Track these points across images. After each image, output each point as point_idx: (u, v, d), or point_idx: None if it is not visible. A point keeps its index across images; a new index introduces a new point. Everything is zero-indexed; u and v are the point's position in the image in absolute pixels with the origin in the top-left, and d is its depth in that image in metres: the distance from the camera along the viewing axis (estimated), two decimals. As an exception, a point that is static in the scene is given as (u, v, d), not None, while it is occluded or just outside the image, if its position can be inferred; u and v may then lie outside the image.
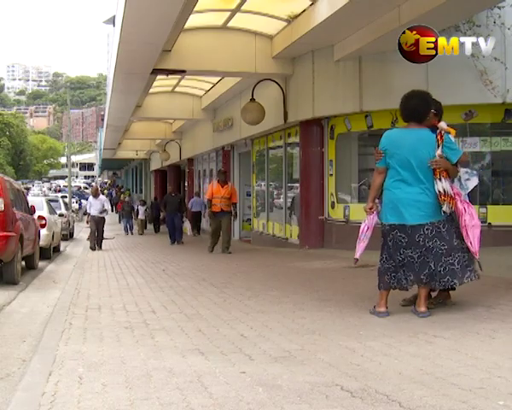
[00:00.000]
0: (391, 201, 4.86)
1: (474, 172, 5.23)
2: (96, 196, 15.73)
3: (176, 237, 16.84)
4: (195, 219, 21.54)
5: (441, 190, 4.68)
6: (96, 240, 15.30)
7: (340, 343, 4.06)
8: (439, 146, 4.71)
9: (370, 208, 5.00)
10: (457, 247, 4.78)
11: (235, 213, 13.45)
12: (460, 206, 4.84)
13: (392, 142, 4.85)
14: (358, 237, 5.08)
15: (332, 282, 7.47)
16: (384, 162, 4.87)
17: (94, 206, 15.39)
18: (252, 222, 17.55)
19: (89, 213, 15.73)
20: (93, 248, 15.00)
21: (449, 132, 4.85)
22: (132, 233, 24.61)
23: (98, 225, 15.33)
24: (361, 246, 5.07)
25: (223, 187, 12.97)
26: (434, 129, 4.82)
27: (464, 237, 4.82)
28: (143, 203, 26.72)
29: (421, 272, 4.74)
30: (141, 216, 25.39)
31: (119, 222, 31.83)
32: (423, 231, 4.74)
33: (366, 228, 5.03)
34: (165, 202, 17.55)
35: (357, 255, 5.09)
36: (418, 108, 4.84)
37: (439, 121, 5.05)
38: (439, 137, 4.74)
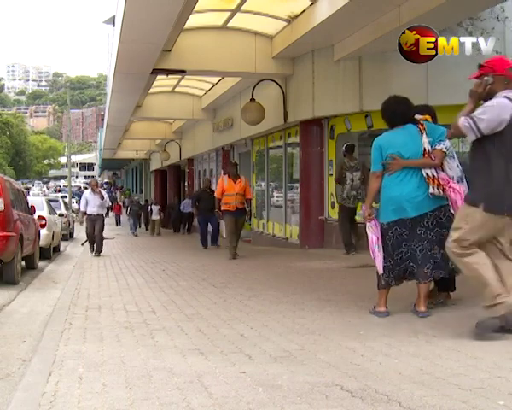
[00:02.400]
0: (390, 198, 4.90)
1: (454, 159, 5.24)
2: (94, 190, 13.28)
3: (211, 240, 14.51)
4: (187, 220, 23.77)
5: (424, 175, 4.81)
6: (95, 243, 13.18)
7: (340, 343, 4.06)
8: (422, 134, 4.87)
9: (370, 215, 4.92)
10: None
11: (250, 210, 12.02)
12: (450, 194, 4.88)
13: (386, 143, 4.95)
14: (371, 251, 4.93)
15: (332, 282, 7.47)
16: (380, 166, 4.93)
17: (91, 202, 13.06)
18: (252, 222, 17.55)
19: (84, 212, 13.38)
20: (92, 250, 13.25)
21: (426, 119, 5.02)
22: (136, 234, 23.65)
23: (96, 224, 13.07)
24: (379, 260, 4.90)
25: (235, 182, 11.32)
26: (414, 122, 4.97)
27: None
28: (157, 203, 25.48)
29: (423, 266, 4.77)
30: (154, 216, 24.01)
31: (117, 225, 31.56)
32: (423, 223, 4.81)
33: (376, 239, 4.90)
34: (198, 198, 14.98)
35: (381, 271, 4.90)
36: (406, 113, 4.99)
37: (435, 123, 5.21)
38: (420, 126, 4.90)
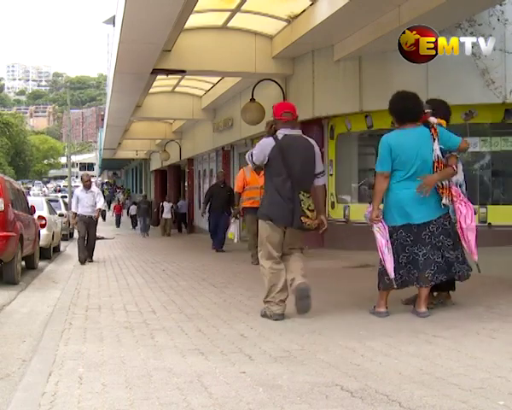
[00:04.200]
0: (396, 201, 4.85)
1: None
2: (87, 187, 11.64)
3: (216, 241, 13.24)
4: (182, 220, 24.97)
5: (438, 184, 4.75)
6: (87, 248, 11.53)
7: (340, 343, 4.06)
8: (434, 140, 4.76)
9: (377, 216, 4.84)
10: (459, 242, 4.88)
11: None
12: (459, 206, 4.91)
13: (396, 144, 4.83)
14: (381, 253, 4.82)
15: (332, 282, 7.47)
16: (389, 166, 4.82)
17: (83, 201, 11.41)
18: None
19: (75, 213, 11.60)
20: (82, 261, 11.25)
21: (440, 124, 4.93)
22: (148, 235, 22.46)
23: (89, 227, 11.47)
24: (390, 264, 4.79)
25: (259, 174, 9.26)
26: (427, 125, 4.86)
27: (460, 237, 4.92)
28: (169, 200, 23.86)
29: (425, 270, 4.75)
30: (165, 215, 22.42)
31: (117, 226, 31.32)
32: (429, 228, 4.77)
33: (385, 242, 4.81)
34: (211, 194, 13.39)
35: (392, 275, 4.79)
36: (415, 109, 4.88)
37: (447, 121, 5.18)
38: (433, 131, 4.79)
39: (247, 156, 5.28)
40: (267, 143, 5.10)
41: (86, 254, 11.41)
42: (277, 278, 4.99)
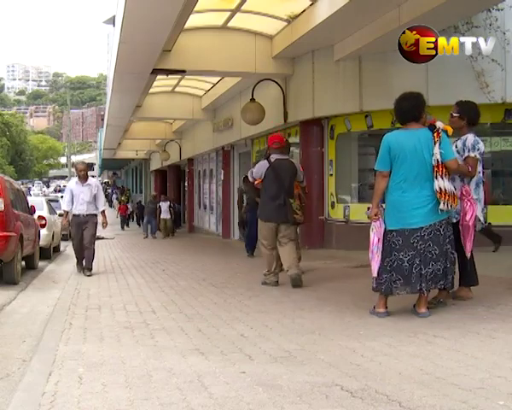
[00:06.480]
0: (393, 205, 4.85)
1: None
2: (83, 179, 9.36)
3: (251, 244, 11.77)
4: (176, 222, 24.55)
5: (437, 189, 4.71)
6: (85, 255, 9.23)
7: (340, 343, 4.07)
8: (435, 143, 4.72)
9: (376, 215, 4.85)
10: (445, 253, 4.79)
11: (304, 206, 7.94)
12: (465, 205, 5.00)
13: (395, 143, 4.81)
14: (370, 251, 4.86)
15: (332, 282, 7.48)
16: (388, 165, 4.82)
17: (78, 196, 9.19)
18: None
19: (67, 212, 9.48)
20: (81, 270, 9.31)
21: (446, 130, 4.89)
22: (155, 237, 20.98)
23: (86, 230, 9.16)
24: (376, 262, 4.85)
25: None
26: (433, 127, 4.83)
27: (461, 233, 5.03)
28: (166, 199, 22.02)
29: (410, 275, 4.74)
30: (164, 215, 20.90)
31: (122, 228, 30.92)
32: (421, 233, 4.74)
33: (377, 240, 4.83)
34: (246, 190, 11.83)
35: (375, 274, 4.87)
36: (412, 109, 4.88)
37: (469, 124, 5.25)
38: (435, 134, 4.75)
39: (248, 173, 7.44)
40: (263, 164, 7.21)
41: (82, 261, 9.37)
42: (272, 259, 7.23)
